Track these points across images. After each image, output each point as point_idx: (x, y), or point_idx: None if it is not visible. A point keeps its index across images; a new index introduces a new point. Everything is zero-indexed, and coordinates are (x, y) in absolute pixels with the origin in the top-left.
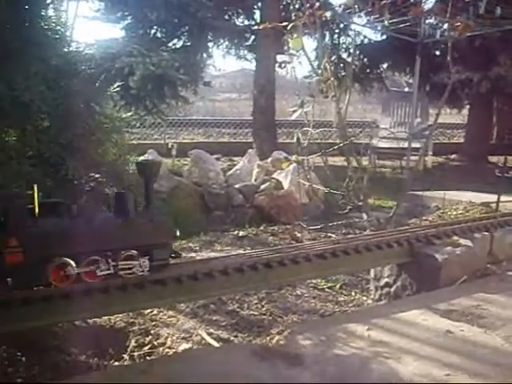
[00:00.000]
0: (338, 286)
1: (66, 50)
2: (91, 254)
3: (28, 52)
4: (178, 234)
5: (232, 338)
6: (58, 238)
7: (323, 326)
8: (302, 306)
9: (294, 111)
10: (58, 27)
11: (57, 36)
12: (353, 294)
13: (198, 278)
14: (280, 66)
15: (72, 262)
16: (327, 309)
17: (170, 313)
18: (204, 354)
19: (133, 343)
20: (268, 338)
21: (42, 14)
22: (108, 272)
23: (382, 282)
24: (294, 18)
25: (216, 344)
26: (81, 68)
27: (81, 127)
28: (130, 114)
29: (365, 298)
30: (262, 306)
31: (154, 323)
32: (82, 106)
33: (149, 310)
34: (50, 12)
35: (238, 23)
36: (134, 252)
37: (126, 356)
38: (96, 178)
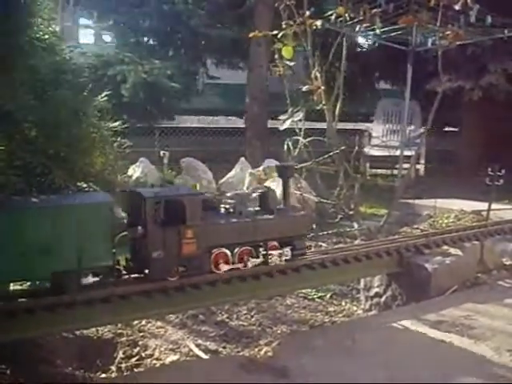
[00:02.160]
0: (328, 296)
1: (54, 58)
2: (244, 244)
3: (14, 61)
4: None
5: (220, 350)
6: (218, 231)
7: (312, 337)
8: (292, 317)
9: (285, 120)
10: (46, 36)
11: (44, 45)
12: (343, 303)
13: (184, 290)
14: (271, 74)
15: (228, 252)
16: (317, 319)
17: (159, 323)
18: (190, 366)
19: (120, 354)
20: (256, 349)
21: (30, 22)
22: (258, 260)
23: (372, 292)
24: (284, 26)
25: (204, 355)
26: (69, 77)
27: (67, 137)
28: (117, 123)
29: (355, 308)
30: (252, 317)
31: (142, 334)
32: (69, 115)
33: (137, 321)
34: (39, 21)
35: (230, 31)
36: (279, 243)
37: (113, 367)
38: (83, 188)
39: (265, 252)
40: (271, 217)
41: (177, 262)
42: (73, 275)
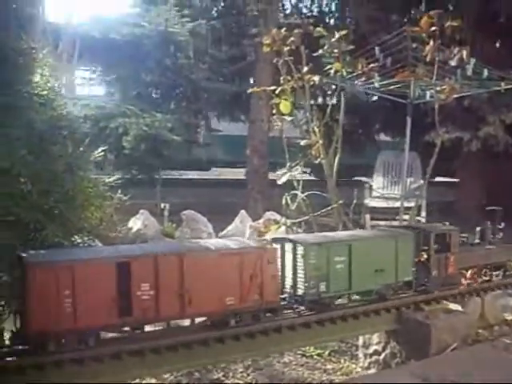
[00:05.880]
0: (326, 353)
1: (51, 114)
2: (475, 267)
3: (10, 117)
4: None
5: None
6: (465, 257)
7: None
8: (289, 374)
9: (283, 174)
10: (45, 92)
11: (43, 100)
12: (342, 361)
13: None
14: (269, 128)
15: (468, 272)
16: (314, 377)
17: (153, 381)
18: None
19: None
20: None
21: (28, 79)
22: (485, 279)
23: (371, 350)
24: (282, 82)
25: None
26: (65, 132)
27: (62, 192)
28: (113, 178)
29: (354, 366)
30: (248, 375)
31: None
32: (65, 171)
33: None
34: (37, 77)
35: (231, 85)
36: (494, 266)
37: None
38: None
39: (490, 272)
40: (491, 247)
41: (442, 279)
42: (390, 287)
